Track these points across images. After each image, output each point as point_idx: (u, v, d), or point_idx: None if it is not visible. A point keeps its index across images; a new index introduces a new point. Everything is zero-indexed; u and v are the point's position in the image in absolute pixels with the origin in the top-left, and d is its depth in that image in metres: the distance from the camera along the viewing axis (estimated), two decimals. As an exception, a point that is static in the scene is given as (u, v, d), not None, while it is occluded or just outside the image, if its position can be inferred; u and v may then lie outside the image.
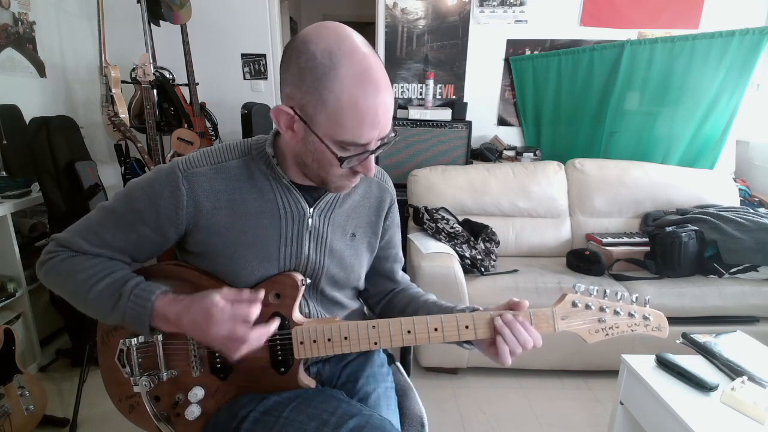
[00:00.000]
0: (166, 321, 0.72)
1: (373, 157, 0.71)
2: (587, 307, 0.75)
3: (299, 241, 0.80)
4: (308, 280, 0.81)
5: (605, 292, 0.77)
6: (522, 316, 0.74)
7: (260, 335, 0.70)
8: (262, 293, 0.73)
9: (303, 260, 0.81)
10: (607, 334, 0.76)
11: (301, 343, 0.76)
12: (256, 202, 0.77)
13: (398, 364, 1.07)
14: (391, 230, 0.96)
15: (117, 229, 0.75)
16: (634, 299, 0.77)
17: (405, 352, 1.12)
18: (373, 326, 0.76)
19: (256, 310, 0.69)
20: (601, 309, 0.76)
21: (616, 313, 0.75)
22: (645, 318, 0.76)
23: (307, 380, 0.82)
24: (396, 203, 0.95)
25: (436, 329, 0.76)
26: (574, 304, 0.76)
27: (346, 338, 0.76)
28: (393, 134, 0.71)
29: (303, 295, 0.82)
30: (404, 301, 0.95)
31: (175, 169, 0.74)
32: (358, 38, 0.65)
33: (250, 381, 0.79)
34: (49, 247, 0.78)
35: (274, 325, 0.72)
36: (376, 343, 0.76)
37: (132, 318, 0.72)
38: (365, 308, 1.02)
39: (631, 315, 0.76)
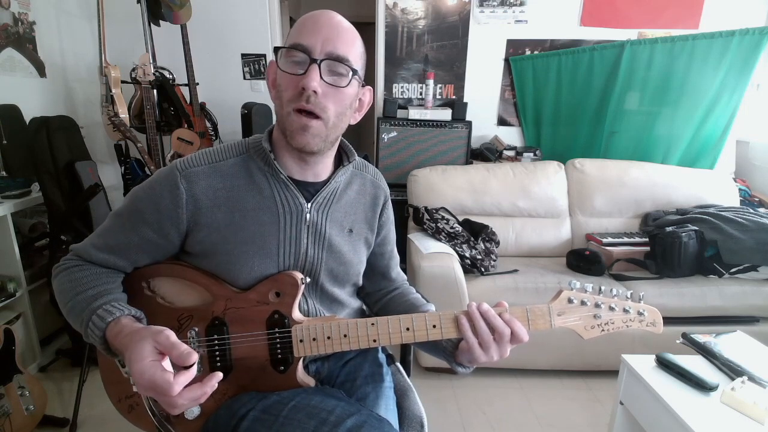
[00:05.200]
0: (119, 354, 0.68)
1: (315, 69, 0.70)
2: (582, 303, 0.76)
3: (298, 237, 0.80)
4: (308, 279, 0.81)
5: (600, 288, 0.78)
6: (504, 312, 0.73)
7: (194, 397, 0.62)
8: (195, 357, 0.61)
9: (302, 255, 0.81)
10: (602, 330, 0.77)
11: (301, 341, 0.76)
12: (254, 199, 0.78)
13: (398, 364, 1.07)
14: (386, 227, 0.97)
15: (121, 232, 0.77)
16: (628, 295, 0.78)
17: (405, 352, 1.12)
18: (372, 324, 0.76)
19: (178, 385, 0.59)
20: (596, 305, 0.76)
21: (611, 309, 0.76)
22: (639, 314, 0.77)
23: (306, 379, 0.82)
24: (390, 200, 0.96)
25: (434, 326, 0.76)
26: (569, 301, 0.76)
27: (345, 336, 0.76)
28: (353, 72, 0.73)
29: (303, 293, 0.82)
30: (401, 309, 0.94)
31: (174, 169, 0.76)
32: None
33: (250, 379, 0.79)
34: (65, 256, 0.81)
35: (213, 381, 0.63)
36: (375, 341, 0.76)
37: (96, 345, 0.72)
38: (364, 307, 1.02)
39: (625, 311, 0.76)
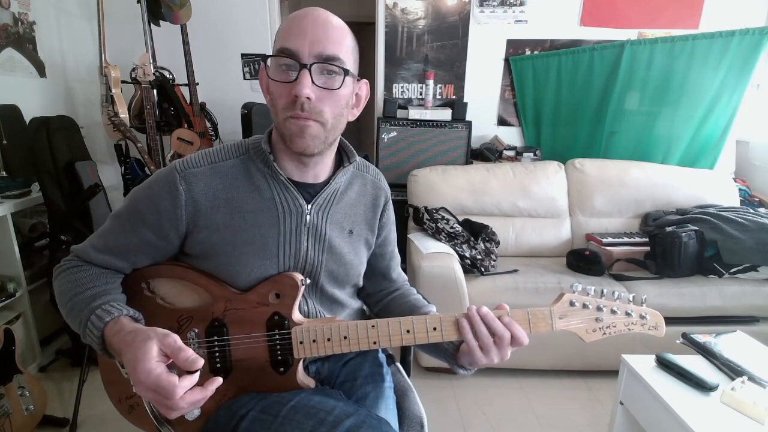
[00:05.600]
0: (117, 354, 0.68)
1: (305, 75, 0.68)
2: (584, 306, 0.76)
3: (297, 238, 0.80)
4: (308, 281, 0.81)
5: (602, 291, 0.77)
6: (504, 315, 0.74)
7: (194, 401, 0.62)
8: (201, 363, 0.62)
9: (302, 257, 0.81)
10: (604, 333, 0.76)
11: (301, 342, 0.76)
12: (254, 201, 0.77)
13: (398, 364, 1.07)
14: (387, 227, 0.96)
15: (120, 233, 0.77)
16: (630, 298, 0.78)
17: (405, 352, 1.12)
18: (372, 326, 0.76)
19: (182, 389, 0.59)
20: (599, 308, 0.76)
21: (613, 312, 0.76)
22: (642, 317, 0.77)
23: (306, 380, 0.82)
24: (390, 201, 0.96)
25: (434, 328, 0.76)
26: (571, 304, 0.76)
27: (345, 338, 0.76)
28: (345, 72, 0.71)
29: (302, 294, 0.82)
30: (404, 309, 0.94)
31: (173, 170, 0.76)
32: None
33: (250, 381, 0.79)
34: (66, 257, 0.81)
35: (213, 386, 0.63)
36: (375, 343, 0.76)
37: (94, 346, 0.71)
38: (365, 307, 1.02)
39: (628, 314, 0.76)
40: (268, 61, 0.73)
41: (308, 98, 0.69)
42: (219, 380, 0.64)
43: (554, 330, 0.76)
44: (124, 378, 0.80)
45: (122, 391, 0.83)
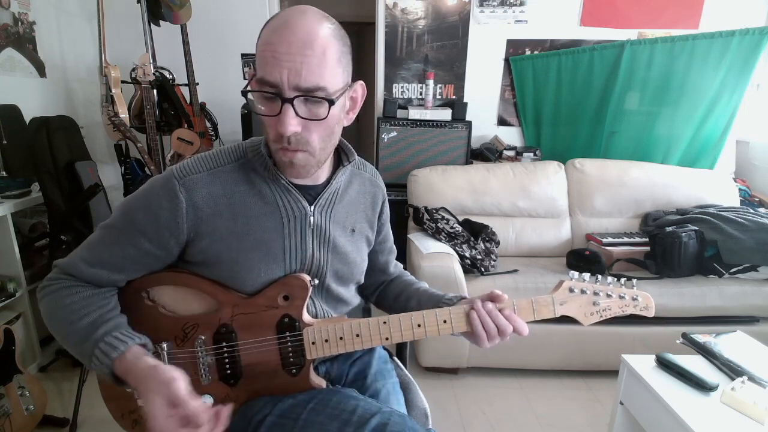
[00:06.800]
0: (132, 384, 0.67)
1: (288, 110, 0.64)
2: (582, 292, 0.81)
3: (303, 240, 0.80)
4: (316, 281, 0.81)
5: (597, 278, 0.83)
6: (507, 308, 0.78)
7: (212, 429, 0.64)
8: (204, 419, 0.63)
9: (308, 259, 0.81)
10: (601, 316, 0.82)
11: (313, 343, 0.76)
12: (256, 205, 0.76)
13: (396, 359, 1.09)
14: (386, 225, 0.99)
15: (115, 245, 0.74)
16: (622, 283, 0.83)
17: (401, 347, 1.13)
18: (384, 322, 0.77)
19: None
20: (595, 293, 0.81)
21: (608, 296, 0.81)
22: (634, 299, 0.82)
23: (318, 380, 0.82)
24: (387, 198, 0.97)
25: (444, 321, 0.78)
26: (570, 290, 0.81)
27: (357, 335, 0.77)
28: (330, 102, 0.66)
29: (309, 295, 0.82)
30: (397, 289, 0.99)
31: (171, 177, 0.73)
32: (310, 9, 0.66)
33: (261, 385, 0.78)
34: (50, 274, 0.77)
35: (226, 411, 0.65)
36: (387, 339, 0.77)
37: (101, 373, 0.70)
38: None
39: (621, 297, 0.82)
40: (250, 82, 0.68)
41: (295, 132, 0.67)
42: (229, 408, 0.66)
43: (556, 315, 0.81)
44: (126, 393, 0.78)
45: (124, 406, 0.81)
